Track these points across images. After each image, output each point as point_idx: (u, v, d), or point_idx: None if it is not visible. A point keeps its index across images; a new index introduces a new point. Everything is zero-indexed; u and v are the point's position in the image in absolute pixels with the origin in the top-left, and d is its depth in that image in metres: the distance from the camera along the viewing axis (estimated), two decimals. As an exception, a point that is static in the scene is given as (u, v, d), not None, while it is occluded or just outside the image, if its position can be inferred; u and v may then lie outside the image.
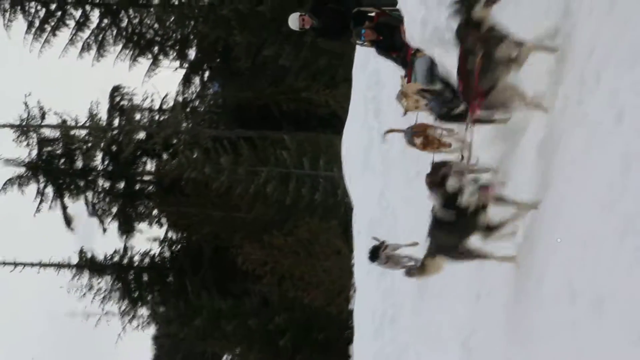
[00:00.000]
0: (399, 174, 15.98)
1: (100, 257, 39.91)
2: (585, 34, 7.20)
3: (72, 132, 38.30)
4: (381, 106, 17.95)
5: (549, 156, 7.68)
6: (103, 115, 38.29)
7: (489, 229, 7.69)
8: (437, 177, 8.06)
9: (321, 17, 14.86)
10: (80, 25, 37.95)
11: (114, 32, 38.31)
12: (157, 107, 39.25)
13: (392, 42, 14.07)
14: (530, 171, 8.24)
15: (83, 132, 38.38)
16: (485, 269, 9.14)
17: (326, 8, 14.94)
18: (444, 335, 10.68)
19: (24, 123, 37.75)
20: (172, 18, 37.17)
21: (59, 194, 39.08)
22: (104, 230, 39.82)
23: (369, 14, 14.42)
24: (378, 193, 17.78)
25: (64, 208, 39.21)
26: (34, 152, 38.41)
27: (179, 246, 42.10)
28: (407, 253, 13.27)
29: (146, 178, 40.83)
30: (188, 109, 39.42)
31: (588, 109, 6.83)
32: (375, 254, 13.47)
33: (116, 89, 39.03)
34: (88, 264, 39.62)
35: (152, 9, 37.36)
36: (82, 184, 39.46)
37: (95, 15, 37.92)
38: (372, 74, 18.94)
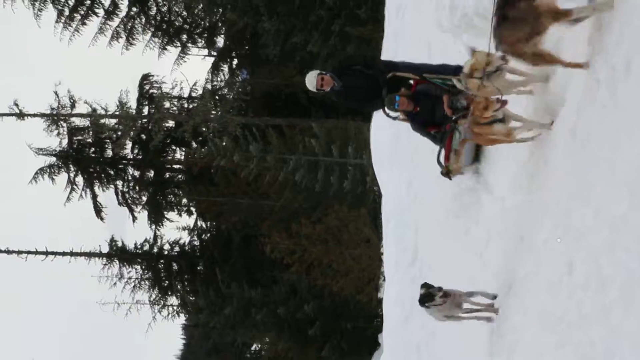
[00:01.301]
0: (428, 163, 15.85)
1: (130, 246, 40.09)
2: (616, 22, 7.06)
3: (102, 121, 38.39)
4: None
5: (579, 142, 7.56)
6: (132, 103, 38.38)
7: None
8: None
9: (345, 79, 12.84)
10: (110, 13, 38.05)
11: (143, 21, 38.44)
12: (186, 95, 39.35)
13: (431, 116, 12.09)
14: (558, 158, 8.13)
15: (113, 121, 38.47)
16: (517, 256, 9.06)
17: (352, 70, 13.05)
18: (474, 322, 10.57)
19: (54, 112, 37.86)
20: (201, 5, 37.20)
21: (89, 183, 39.23)
22: (134, 219, 39.97)
23: (407, 81, 12.54)
24: (407, 181, 17.67)
25: (94, 197, 39.36)
26: (65, 142, 38.54)
27: (208, 235, 42.21)
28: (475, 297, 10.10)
29: (175, 167, 40.95)
30: (217, 97, 39.46)
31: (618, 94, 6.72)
32: (428, 298, 10.14)
33: (145, 77, 39.10)
34: (118, 253, 39.79)
35: (180, -3, 37.46)
36: (112, 172, 39.61)
37: (124, 4, 38.03)
38: (401, 59, 18.76)
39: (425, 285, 10.21)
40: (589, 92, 7.37)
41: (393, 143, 18.78)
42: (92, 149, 39.19)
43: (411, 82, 12.47)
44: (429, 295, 10.08)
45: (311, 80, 12.91)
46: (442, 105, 11.57)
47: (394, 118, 13.13)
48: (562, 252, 7.24)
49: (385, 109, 12.82)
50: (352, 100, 13.70)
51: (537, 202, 8.65)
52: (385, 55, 20.66)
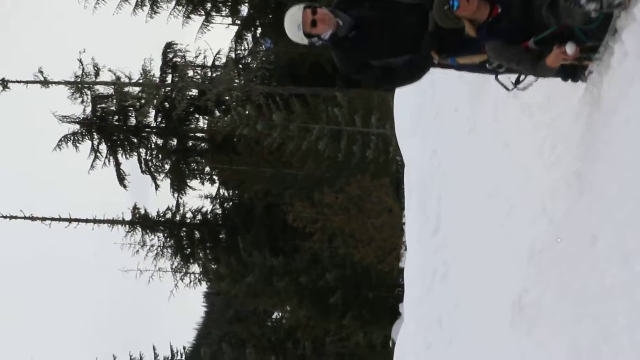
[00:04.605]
0: (451, 131, 15.78)
1: (152, 213, 40.29)
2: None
3: (125, 89, 38.48)
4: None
5: (603, 113, 7.46)
6: (156, 72, 38.44)
7: None
8: None
9: (356, 12, 7.37)
10: (134, -19, 38.03)
11: (167, -12, 38.37)
12: (209, 63, 39.35)
13: (526, 16, 6.79)
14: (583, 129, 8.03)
15: (136, 89, 38.57)
16: (538, 227, 9.00)
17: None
18: (496, 293, 10.53)
19: (78, 80, 37.93)
20: (225, -26, 37.13)
21: (112, 151, 39.38)
22: (157, 187, 40.14)
23: None
24: (430, 150, 17.57)
25: (118, 165, 39.52)
26: (88, 109, 38.67)
27: (230, 203, 42.35)
28: None
29: (198, 135, 41.02)
30: (240, 66, 39.42)
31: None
32: None
33: (169, 46, 39.13)
34: (141, 221, 39.98)
35: (204, -35, 37.36)
36: (135, 140, 39.72)
37: (147, -28, 37.98)
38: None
39: None
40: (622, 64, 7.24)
41: (416, 110, 18.69)
42: (116, 117, 39.29)
43: None
44: None
45: (293, 20, 7.20)
46: None
47: (452, 63, 7.53)
48: (584, 224, 7.18)
49: (438, 15, 6.90)
50: (375, 51, 7.36)
51: (559, 172, 8.57)
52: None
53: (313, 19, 7.11)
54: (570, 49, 6.44)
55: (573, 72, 7.30)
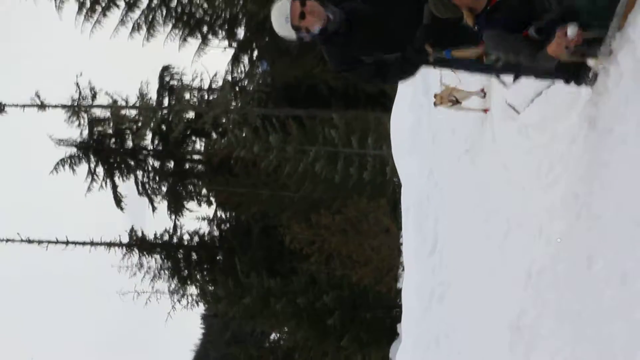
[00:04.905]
0: (448, 151, 15.83)
1: (150, 236, 40.27)
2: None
3: (122, 112, 38.57)
4: (430, 82, 17.73)
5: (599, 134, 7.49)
6: (153, 95, 38.56)
7: None
8: None
9: (348, 5, 7.01)
10: (131, 5, 38.04)
11: (164, 12, 38.39)
12: (206, 86, 39.42)
13: (527, 4, 6.29)
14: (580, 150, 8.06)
15: (133, 112, 38.66)
16: (535, 248, 9.01)
17: None
18: (493, 314, 10.53)
19: (75, 103, 38.02)
20: (221, -3, 37.22)
21: (109, 174, 39.42)
22: (154, 209, 40.15)
23: None
24: (427, 171, 17.64)
25: (115, 187, 39.56)
26: (85, 132, 38.76)
27: (227, 225, 42.32)
28: None
29: (195, 157, 41.06)
30: (237, 88, 39.51)
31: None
32: None
33: (166, 69, 39.22)
34: (138, 243, 39.96)
35: (201, -12, 37.44)
36: (132, 163, 39.76)
37: (145, -4, 38.08)
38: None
39: None
40: (617, 85, 7.27)
41: (413, 131, 18.76)
42: (113, 140, 39.35)
43: None
44: None
45: (281, 11, 6.76)
46: None
47: (447, 56, 6.84)
48: (582, 245, 7.19)
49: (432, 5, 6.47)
50: (367, 46, 6.99)
51: (556, 193, 8.59)
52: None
53: (302, 10, 6.69)
54: (571, 30, 5.99)
55: (576, 73, 7.00)
